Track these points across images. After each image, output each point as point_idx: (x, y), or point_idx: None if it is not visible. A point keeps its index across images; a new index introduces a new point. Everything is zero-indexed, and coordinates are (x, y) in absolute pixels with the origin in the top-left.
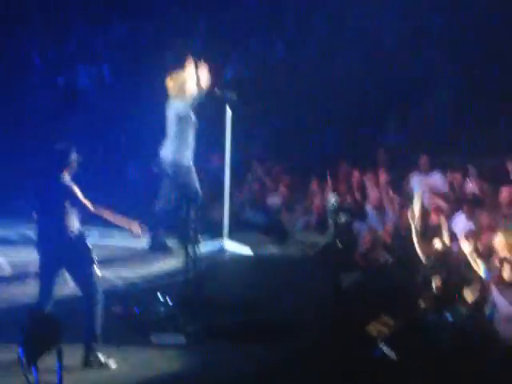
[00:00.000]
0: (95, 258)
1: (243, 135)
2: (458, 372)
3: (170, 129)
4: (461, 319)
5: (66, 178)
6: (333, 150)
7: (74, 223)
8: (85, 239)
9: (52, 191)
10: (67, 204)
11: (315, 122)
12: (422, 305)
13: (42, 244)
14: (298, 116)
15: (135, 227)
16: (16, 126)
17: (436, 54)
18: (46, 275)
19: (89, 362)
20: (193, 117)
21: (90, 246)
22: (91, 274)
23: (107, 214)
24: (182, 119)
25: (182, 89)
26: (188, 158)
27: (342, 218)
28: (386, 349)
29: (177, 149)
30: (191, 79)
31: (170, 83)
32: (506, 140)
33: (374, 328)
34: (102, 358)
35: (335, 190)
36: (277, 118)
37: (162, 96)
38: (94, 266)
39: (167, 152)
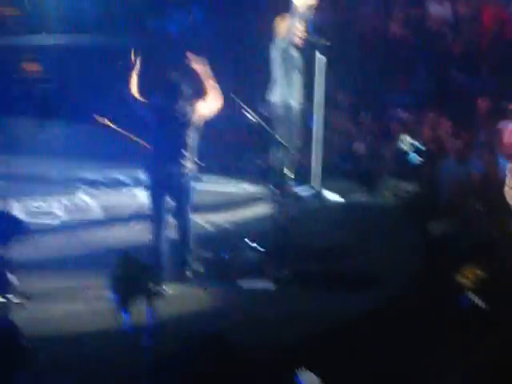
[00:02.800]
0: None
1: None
2: None
3: (276, 72)
4: None
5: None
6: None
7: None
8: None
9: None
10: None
11: (407, 65)
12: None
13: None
14: (389, 57)
15: None
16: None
17: None
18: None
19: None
20: (299, 58)
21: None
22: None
23: None
24: (287, 60)
25: (290, 30)
26: (297, 100)
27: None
28: (474, 298)
29: (286, 91)
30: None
31: (279, 24)
32: None
33: (462, 277)
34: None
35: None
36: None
37: (263, 39)
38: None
39: (277, 95)
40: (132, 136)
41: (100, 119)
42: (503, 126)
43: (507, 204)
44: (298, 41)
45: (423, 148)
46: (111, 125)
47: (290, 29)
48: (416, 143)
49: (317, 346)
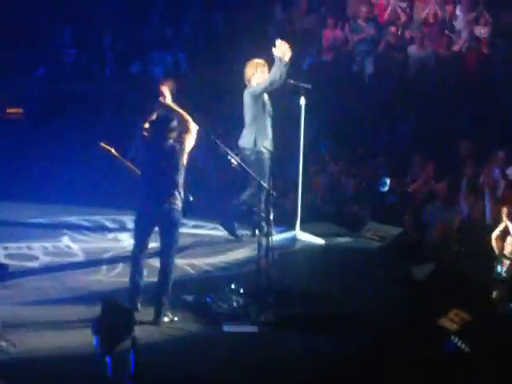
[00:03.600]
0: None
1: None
2: None
3: (248, 117)
4: None
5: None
6: (405, 140)
7: (179, 183)
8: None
9: (159, 152)
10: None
11: (388, 112)
12: (495, 297)
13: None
14: (369, 105)
15: None
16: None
17: None
18: (141, 229)
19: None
20: (268, 104)
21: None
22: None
23: None
24: (258, 106)
25: (259, 76)
26: (268, 145)
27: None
28: (458, 342)
29: (257, 137)
30: (266, 67)
31: (248, 70)
32: None
33: (446, 321)
34: (170, 315)
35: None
36: (345, 107)
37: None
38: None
39: (247, 140)
40: (131, 166)
41: (105, 147)
42: (490, 171)
43: (490, 247)
44: (278, 86)
45: (406, 190)
46: (115, 153)
47: (272, 74)
48: (397, 186)
49: None
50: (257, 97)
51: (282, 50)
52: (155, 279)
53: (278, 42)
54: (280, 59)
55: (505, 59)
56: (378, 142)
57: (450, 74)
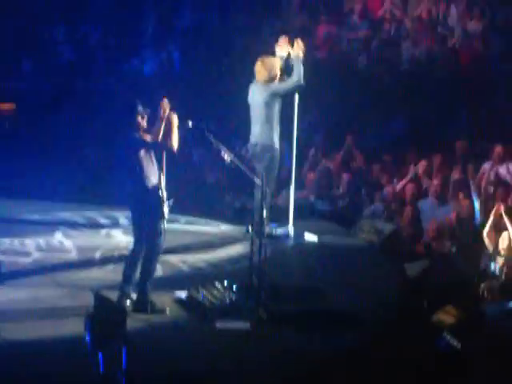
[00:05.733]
0: (166, 212)
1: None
2: None
3: (258, 114)
4: None
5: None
6: (400, 137)
7: (151, 176)
8: (157, 193)
9: (127, 144)
10: (142, 155)
11: (382, 108)
12: (486, 294)
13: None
14: (363, 101)
15: None
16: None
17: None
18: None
19: (141, 305)
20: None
21: (163, 201)
22: (156, 226)
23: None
24: (277, 104)
25: (271, 74)
26: (276, 142)
27: None
28: (450, 339)
29: (274, 134)
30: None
31: (260, 68)
32: None
33: (438, 317)
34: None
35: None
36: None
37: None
38: (162, 219)
39: (265, 137)
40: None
41: None
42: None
43: (481, 244)
44: (275, 81)
45: None
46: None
47: (269, 71)
48: None
49: None
50: (278, 95)
51: (300, 48)
52: None
53: (298, 40)
54: (298, 58)
55: (501, 55)
56: (372, 138)
57: (444, 71)
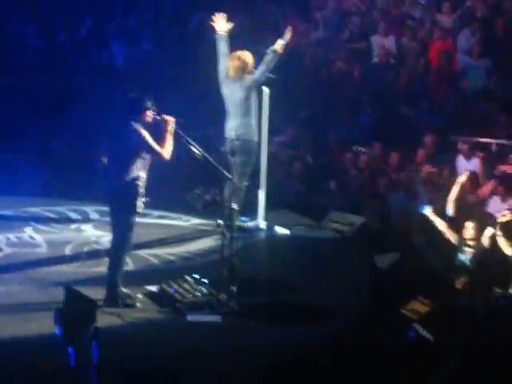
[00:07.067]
0: (140, 207)
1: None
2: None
3: (236, 108)
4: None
5: (139, 125)
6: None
7: (135, 170)
8: (136, 187)
9: (123, 136)
10: (135, 149)
11: (351, 102)
12: (457, 286)
13: (104, 183)
14: (335, 96)
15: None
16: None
17: None
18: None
19: (111, 299)
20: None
21: (139, 196)
22: (128, 220)
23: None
24: (254, 97)
25: (244, 68)
26: (255, 135)
27: None
28: (421, 330)
29: (254, 128)
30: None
31: (232, 63)
32: None
33: (409, 309)
34: (124, 295)
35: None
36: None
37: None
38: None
39: (244, 131)
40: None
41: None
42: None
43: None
44: (246, 75)
45: None
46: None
47: (242, 64)
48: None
49: (263, 381)
50: (254, 88)
51: (288, 39)
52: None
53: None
54: (281, 49)
55: (470, 48)
56: (342, 131)
57: (413, 63)
